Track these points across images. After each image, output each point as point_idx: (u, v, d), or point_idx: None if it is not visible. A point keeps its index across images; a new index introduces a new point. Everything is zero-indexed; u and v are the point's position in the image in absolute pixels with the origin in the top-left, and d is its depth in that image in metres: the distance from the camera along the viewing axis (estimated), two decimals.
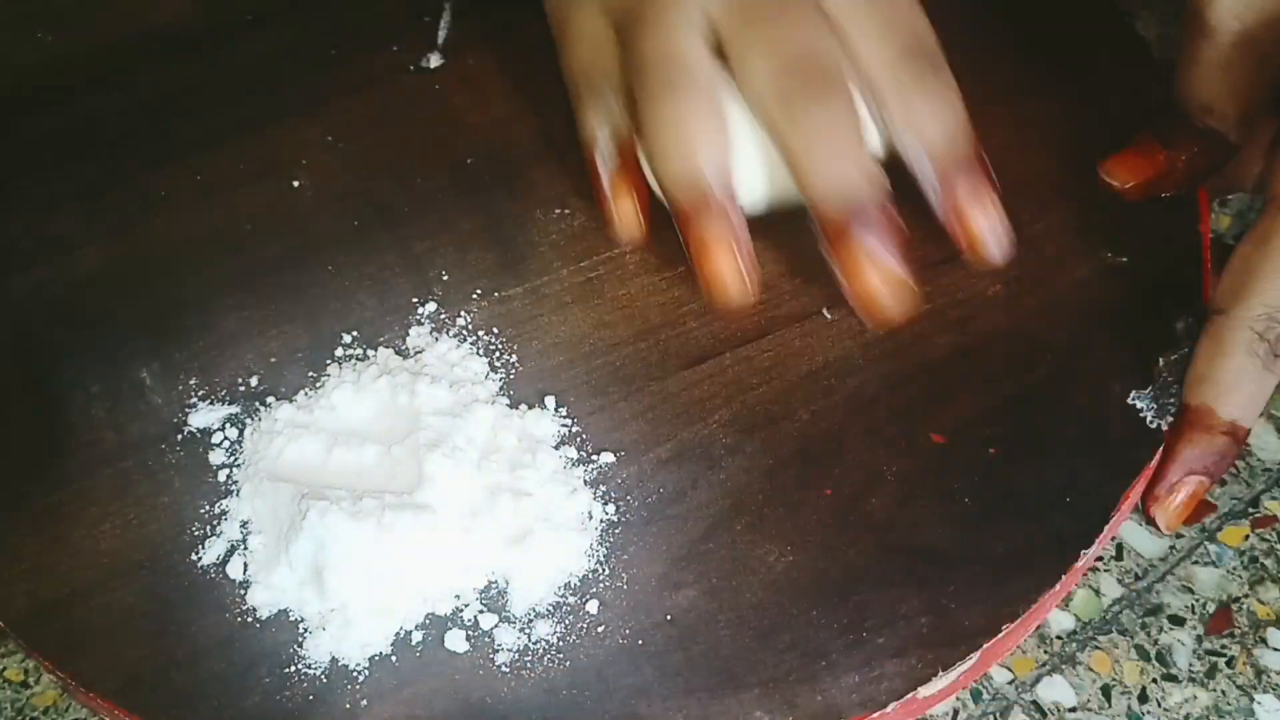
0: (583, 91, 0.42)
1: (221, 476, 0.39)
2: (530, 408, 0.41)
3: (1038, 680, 0.46)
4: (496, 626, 0.37)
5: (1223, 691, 0.45)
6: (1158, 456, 0.39)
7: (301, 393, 0.41)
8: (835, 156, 0.37)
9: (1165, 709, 0.45)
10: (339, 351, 0.42)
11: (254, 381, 0.41)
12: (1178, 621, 0.47)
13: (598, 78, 0.41)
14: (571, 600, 0.37)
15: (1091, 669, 0.46)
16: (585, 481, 0.39)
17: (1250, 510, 0.49)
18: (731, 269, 0.38)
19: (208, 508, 0.39)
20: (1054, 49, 0.48)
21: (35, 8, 0.51)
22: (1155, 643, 0.46)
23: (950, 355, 0.41)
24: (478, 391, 0.41)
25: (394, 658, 0.36)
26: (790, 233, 0.44)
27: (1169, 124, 0.42)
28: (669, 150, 0.38)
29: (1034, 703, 0.45)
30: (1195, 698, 0.45)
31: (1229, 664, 0.46)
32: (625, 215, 0.41)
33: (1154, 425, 0.40)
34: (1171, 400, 0.40)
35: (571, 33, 0.42)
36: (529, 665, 0.36)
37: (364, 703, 0.36)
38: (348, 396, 0.40)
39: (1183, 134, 0.42)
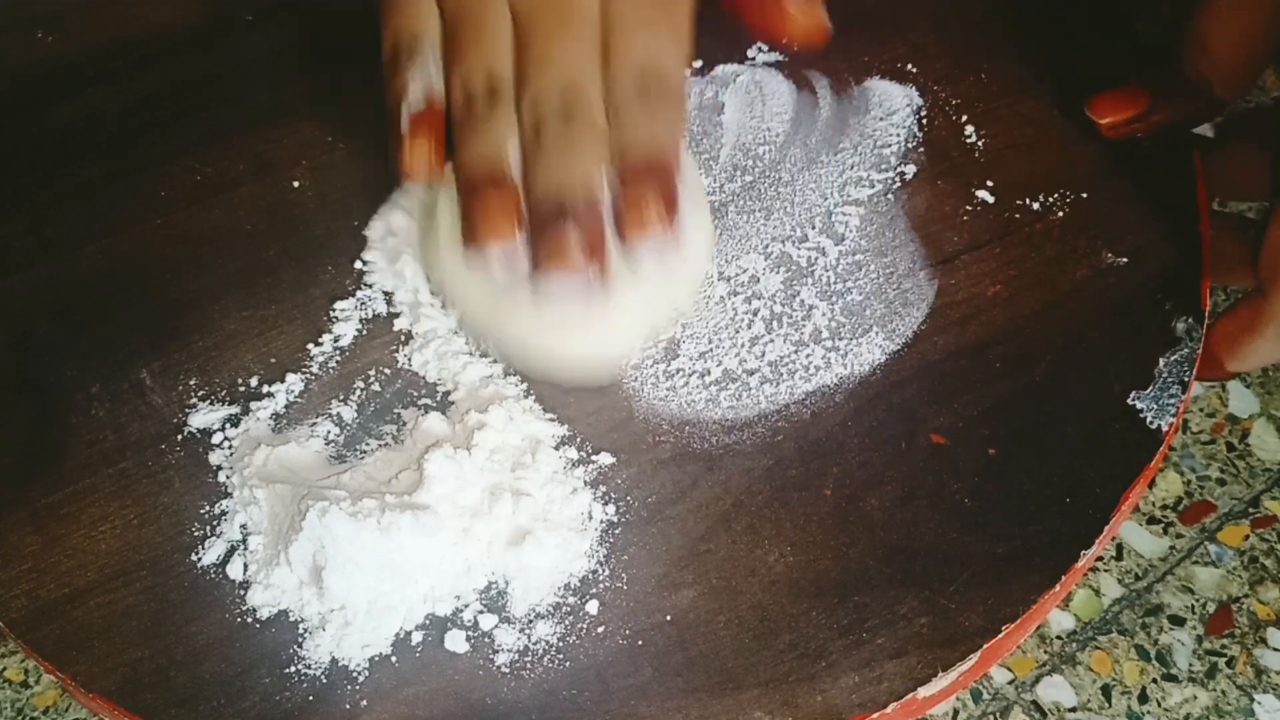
0: (401, 50, 0.43)
1: (221, 477, 0.39)
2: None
3: (1038, 680, 0.46)
4: (496, 627, 0.37)
5: (1223, 691, 0.45)
6: (1158, 457, 0.39)
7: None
8: (563, 164, 0.38)
9: (1165, 709, 0.45)
10: None
11: (254, 381, 0.41)
12: (1178, 621, 0.47)
13: (419, 39, 0.42)
14: (571, 601, 0.37)
15: (1091, 669, 0.46)
16: (585, 482, 0.39)
17: (1250, 510, 0.49)
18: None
19: (208, 508, 0.39)
20: (1054, 49, 0.48)
21: (35, 8, 0.51)
22: (1155, 643, 0.46)
23: (950, 355, 0.41)
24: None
25: (394, 658, 0.36)
26: None
27: (1157, 71, 0.45)
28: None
29: (1034, 703, 0.45)
30: (1195, 698, 0.45)
31: (1229, 664, 0.46)
32: (420, 153, 0.41)
33: (1154, 425, 0.40)
34: (1172, 400, 0.40)
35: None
36: (529, 666, 0.36)
37: (364, 703, 0.36)
38: None
39: (1168, 81, 0.45)
